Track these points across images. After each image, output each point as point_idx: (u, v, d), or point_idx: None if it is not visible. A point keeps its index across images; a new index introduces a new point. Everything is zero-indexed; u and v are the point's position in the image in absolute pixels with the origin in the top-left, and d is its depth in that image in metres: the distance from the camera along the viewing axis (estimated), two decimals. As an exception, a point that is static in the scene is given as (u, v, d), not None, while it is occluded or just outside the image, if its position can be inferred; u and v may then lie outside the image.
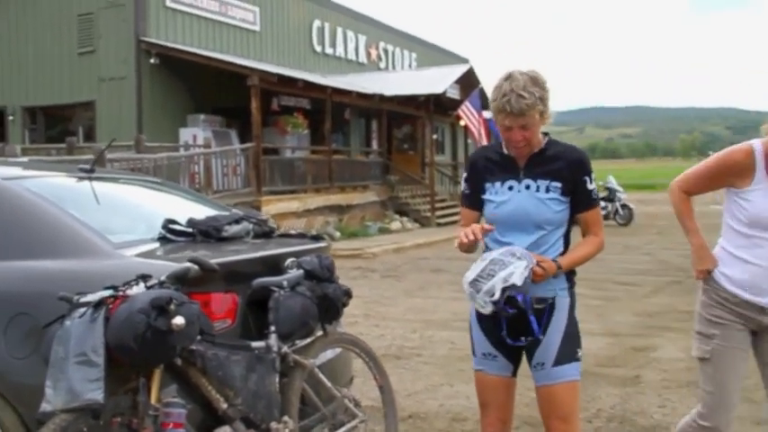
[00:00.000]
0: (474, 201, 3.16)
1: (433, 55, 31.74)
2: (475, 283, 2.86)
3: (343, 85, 20.63)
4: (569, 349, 3.02)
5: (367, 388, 4.59)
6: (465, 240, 2.90)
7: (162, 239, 3.45)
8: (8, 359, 2.94)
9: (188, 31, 19.09)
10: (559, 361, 3.00)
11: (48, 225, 3.20)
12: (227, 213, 3.81)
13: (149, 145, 15.04)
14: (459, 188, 3.19)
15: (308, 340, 3.44)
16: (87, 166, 3.87)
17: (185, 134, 17.87)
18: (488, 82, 26.69)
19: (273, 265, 3.38)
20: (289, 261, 3.42)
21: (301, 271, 3.35)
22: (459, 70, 24.08)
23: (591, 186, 3.05)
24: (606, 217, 20.73)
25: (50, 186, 3.58)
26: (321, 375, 3.46)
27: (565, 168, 3.00)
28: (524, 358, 3.12)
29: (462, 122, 21.59)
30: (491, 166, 3.09)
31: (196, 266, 2.81)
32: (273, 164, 18.03)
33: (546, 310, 3.00)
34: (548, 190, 3.00)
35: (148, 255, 3.22)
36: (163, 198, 4.43)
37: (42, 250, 3.13)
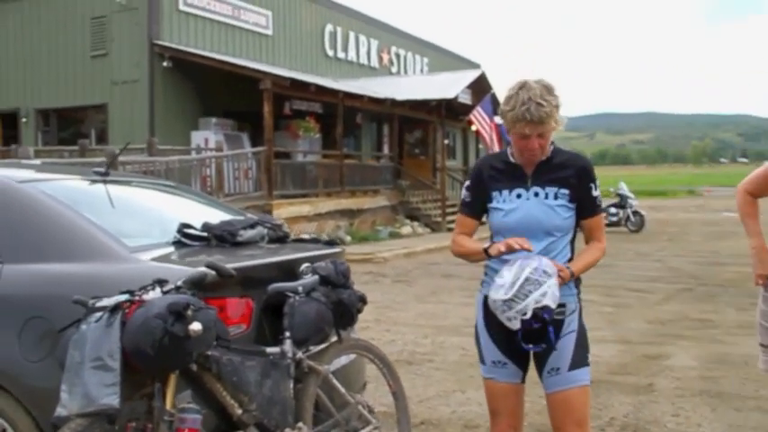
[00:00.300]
0: (476, 209, 3.18)
1: (444, 60, 31.73)
2: (510, 302, 2.86)
3: (354, 90, 20.63)
4: (582, 353, 3.06)
5: (380, 394, 4.58)
6: (516, 247, 2.89)
7: (177, 243, 3.44)
8: (23, 362, 2.94)
9: (201, 34, 19.15)
10: (574, 365, 3.03)
11: (63, 228, 3.19)
12: (241, 218, 3.80)
13: (161, 148, 15.09)
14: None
15: (323, 346, 3.43)
16: (101, 169, 3.86)
17: (197, 137, 17.92)
18: (499, 85, 26.59)
19: (288, 271, 3.37)
20: (304, 266, 3.41)
21: (317, 276, 3.35)
22: (471, 75, 24.05)
23: (596, 193, 3.10)
24: (617, 223, 20.61)
25: (65, 189, 3.58)
26: (335, 381, 3.45)
27: (572, 176, 3.04)
28: (532, 365, 3.13)
29: (474, 128, 21.53)
30: (497, 175, 3.11)
31: (213, 272, 2.80)
32: (285, 168, 18.04)
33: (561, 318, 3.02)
34: (556, 197, 3.03)
35: (164, 259, 3.22)
36: (176, 202, 4.42)
37: (57, 253, 3.12)
